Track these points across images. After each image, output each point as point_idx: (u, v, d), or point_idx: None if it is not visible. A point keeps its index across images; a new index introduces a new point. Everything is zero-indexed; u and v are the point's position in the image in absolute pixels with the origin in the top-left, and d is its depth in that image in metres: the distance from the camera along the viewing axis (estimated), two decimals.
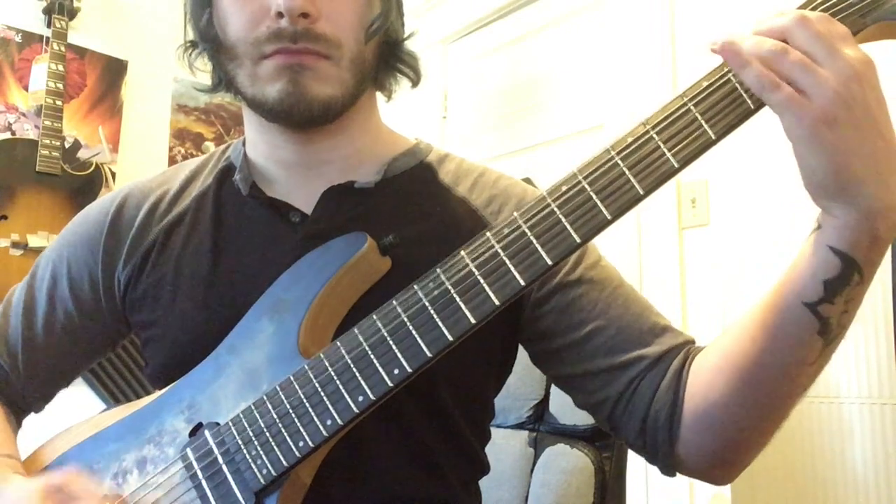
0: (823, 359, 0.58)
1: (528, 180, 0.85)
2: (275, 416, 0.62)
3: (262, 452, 0.61)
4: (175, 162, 2.58)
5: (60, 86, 2.29)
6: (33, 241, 2.18)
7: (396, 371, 0.58)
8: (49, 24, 2.34)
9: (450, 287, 0.58)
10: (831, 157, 0.50)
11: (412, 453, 0.70)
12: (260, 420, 0.62)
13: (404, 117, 1.87)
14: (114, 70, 2.53)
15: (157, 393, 0.71)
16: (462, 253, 0.58)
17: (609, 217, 0.55)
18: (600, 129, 2.02)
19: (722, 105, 0.54)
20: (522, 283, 0.56)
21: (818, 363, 0.58)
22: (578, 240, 0.55)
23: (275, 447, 0.61)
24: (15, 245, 2.16)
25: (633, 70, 1.91)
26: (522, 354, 0.79)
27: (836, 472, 1.44)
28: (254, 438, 0.62)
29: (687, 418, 0.65)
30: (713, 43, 0.53)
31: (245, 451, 0.62)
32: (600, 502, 1.05)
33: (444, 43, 2.58)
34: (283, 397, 0.62)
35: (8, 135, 2.26)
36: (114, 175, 2.45)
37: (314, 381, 0.61)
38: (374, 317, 0.60)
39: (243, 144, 0.82)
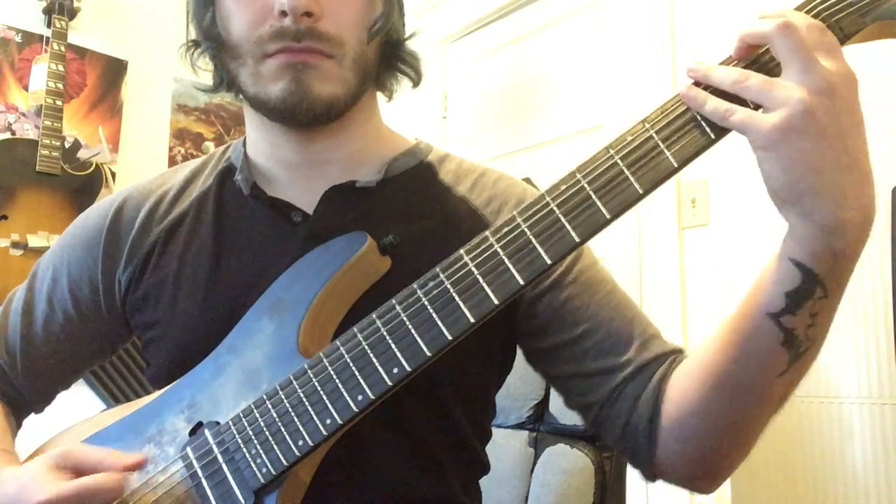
0: (795, 371, 0.58)
1: (528, 180, 0.85)
2: (274, 415, 0.62)
3: (261, 451, 0.61)
4: (175, 162, 2.59)
5: (60, 86, 2.29)
6: (33, 241, 2.18)
7: (396, 370, 0.58)
8: (49, 24, 2.34)
9: (449, 286, 0.58)
10: (786, 166, 0.50)
11: (412, 452, 0.70)
12: (260, 419, 0.62)
13: (404, 117, 1.87)
14: (114, 70, 2.53)
15: (158, 392, 0.71)
16: (462, 252, 0.58)
17: (608, 216, 0.55)
18: (600, 129, 2.02)
19: None
20: (522, 282, 0.56)
21: (789, 375, 0.58)
22: (577, 239, 0.55)
23: (274, 446, 0.61)
24: (15, 245, 2.16)
25: (633, 70, 1.91)
26: (522, 354, 0.79)
27: (836, 472, 1.44)
28: (253, 437, 0.62)
29: (665, 426, 0.65)
30: (689, 70, 0.54)
31: (245, 449, 0.62)
32: (600, 502, 1.05)
33: (444, 43, 2.59)
34: (282, 396, 0.62)
35: (8, 135, 2.26)
36: (114, 175, 2.45)
37: (314, 380, 0.61)
38: (374, 316, 0.60)
39: (243, 145, 0.82)
